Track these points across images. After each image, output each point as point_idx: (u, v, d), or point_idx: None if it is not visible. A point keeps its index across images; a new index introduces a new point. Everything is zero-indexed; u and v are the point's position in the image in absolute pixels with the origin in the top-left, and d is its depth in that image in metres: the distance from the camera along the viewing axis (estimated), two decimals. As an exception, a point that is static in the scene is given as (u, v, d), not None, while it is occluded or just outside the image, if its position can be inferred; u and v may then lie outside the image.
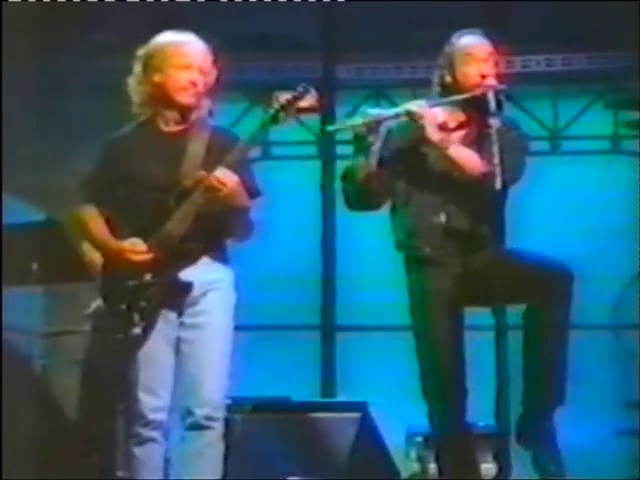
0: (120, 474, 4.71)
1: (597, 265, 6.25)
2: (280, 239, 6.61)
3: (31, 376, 4.73)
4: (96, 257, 4.86)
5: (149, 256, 3.61)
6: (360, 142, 3.94)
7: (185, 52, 3.70)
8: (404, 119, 3.89)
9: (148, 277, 3.61)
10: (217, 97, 3.80)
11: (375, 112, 3.96)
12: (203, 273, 3.68)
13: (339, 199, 6.53)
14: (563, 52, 6.45)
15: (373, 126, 3.89)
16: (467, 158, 3.82)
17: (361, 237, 6.59)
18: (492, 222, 3.89)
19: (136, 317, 3.58)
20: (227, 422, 5.00)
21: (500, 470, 5.02)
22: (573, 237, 6.33)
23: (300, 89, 3.67)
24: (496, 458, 4.94)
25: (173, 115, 3.72)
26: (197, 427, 3.62)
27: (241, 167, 3.62)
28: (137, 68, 3.74)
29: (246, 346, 6.55)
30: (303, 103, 3.67)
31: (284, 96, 3.65)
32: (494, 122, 3.76)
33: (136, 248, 3.61)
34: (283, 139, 6.75)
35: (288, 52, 6.68)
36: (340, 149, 6.70)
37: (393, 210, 4.03)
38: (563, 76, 6.49)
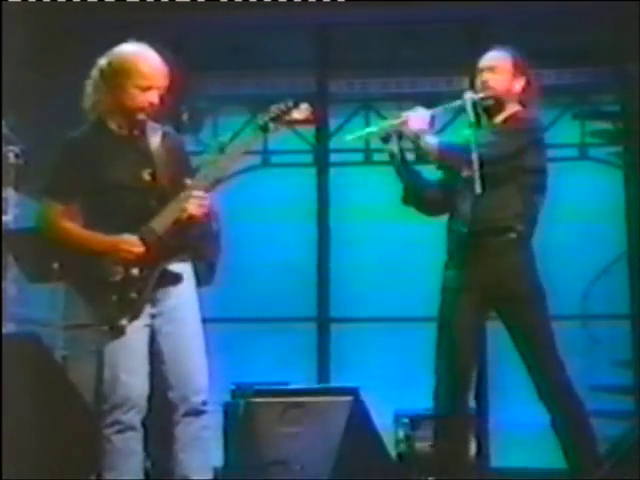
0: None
1: (567, 260, 6.30)
2: (279, 240, 6.65)
3: (53, 365, 4.74)
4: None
5: (142, 249, 3.52)
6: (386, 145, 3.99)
7: (146, 73, 3.55)
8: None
9: (136, 270, 3.54)
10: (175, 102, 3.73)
11: (374, 128, 4.08)
12: (173, 266, 3.61)
13: (332, 202, 6.63)
14: (534, 68, 6.47)
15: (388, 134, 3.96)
16: (435, 146, 3.85)
17: (353, 239, 6.63)
18: (512, 224, 3.92)
19: (125, 308, 3.52)
20: (231, 406, 5.06)
21: (480, 448, 5.06)
22: (545, 236, 6.36)
23: (289, 103, 3.66)
24: (476, 437, 4.97)
25: (126, 123, 3.62)
26: (195, 413, 3.58)
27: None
28: (95, 75, 3.61)
29: (249, 336, 6.63)
30: (295, 115, 3.66)
31: (274, 109, 3.64)
32: (472, 130, 3.81)
33: (133, 242, 3.52)
34: (281, 148, 6.80)
35: (285, 69, 6.71)
36: (334, 157, 6.76)
37: None
38: (535, 90, 6.53)
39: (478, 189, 3.71)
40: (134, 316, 3.54)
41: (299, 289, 6.57)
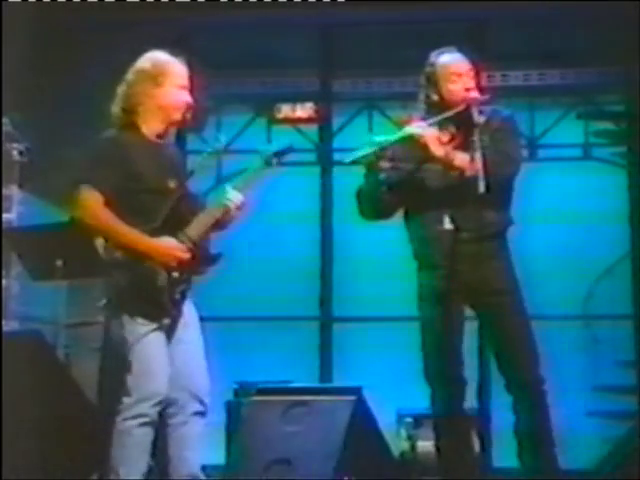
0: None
1: (570, 260, 6.30)
2: (283, 239, 6.65)
3: (56, 362, 4.74)
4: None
5: (188, 255, 3.65)
6: (370, 168, 3.97)
7: (183, 73, 3.76)
8: (408, 142, 3.88)
9: (177, 273, 3.64)
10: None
11: (382, 140, 3.93)
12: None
13: (336, 201, 6.64)
14: (539, 68, 6.49)
15: (380, 153, 3.92)
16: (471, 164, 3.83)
17: (356, 238, 6.63)
18: (493, 226, 3.90)
19: (172, 308, 3.63)
20: (234, 404, 5.06)
21: (483, 447, 5.06)
22: (548, 236, 6.37)
23: (290, 147, 3.95)
24: (479, 437, 4.97)
25: (159, 127, 3.75)
26: (202, 413, 3.68)
27: None
28: (133, 78, 3.73)
29: (251, 335, 6.63)
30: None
31: (275, 150, 3.87)
32: (477, 132, 3.80)
33: (181, 247, 3.64)
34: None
35: (289, 68, 6.71)
36: (337, 156, 6.76)
37: (406, 219, 4.08)
38: (539, 90, 6.53)
39: (482, 188, 3.68)
40: (176, 316, 3.65)
41: (302, 288, 6.57)
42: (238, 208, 3.73)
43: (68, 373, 4.78)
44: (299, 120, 6.75)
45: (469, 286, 3.85)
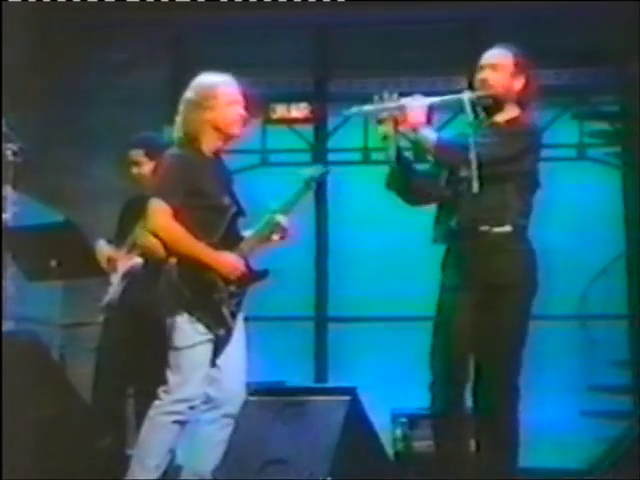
0: (131, 452, 4.74)
1: (565, 260, 6.31)
2: (277, 239, 6.65)
3: (51, 363, 4.75)
4: (107, 254, 4.91)
5: (246, 270, 3.85)
6: (385, 141, 3.97)
7: (230, 90, 3.86)
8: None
9: (233, 287, 3.82)
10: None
11: (382, 105, 3.97)
12: None
13: (330, 201, 6.65)
14: (533, 68, 6.50)
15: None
16: (434, 141, 3.82)
17: (351, 238, 6.64)
18: (504, 222, 3.90)
19: (231, 320, 3.80)
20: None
21: (478, 447, 5.06)
22: (542, 236, 6.37)
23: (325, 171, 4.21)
24: (475, 436, 4.98)
25: (218, 144, 3.88)
26: (232, 416, 3.85)
27: None
28: (182, 108, 3.85)
29: (246, 335, 6.61)
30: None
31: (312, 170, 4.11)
32: (472, 128, 3.81)
33: (242, 262, 3.83)
34: (279, 147, 6.81)
35: (284, 68, 6.73)
36: (332, 156, 6.77)
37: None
38: (533, 90, 6.55)
39: (475, 188, 3.71)
40: (232, 327, 3.83)
41: (297, 288, 6.58)
42: (282, 229, 3.95)
43: (63, 373, 4.79)
44: (294, 120, 6.77)
45: (483, 281, 3.84)
